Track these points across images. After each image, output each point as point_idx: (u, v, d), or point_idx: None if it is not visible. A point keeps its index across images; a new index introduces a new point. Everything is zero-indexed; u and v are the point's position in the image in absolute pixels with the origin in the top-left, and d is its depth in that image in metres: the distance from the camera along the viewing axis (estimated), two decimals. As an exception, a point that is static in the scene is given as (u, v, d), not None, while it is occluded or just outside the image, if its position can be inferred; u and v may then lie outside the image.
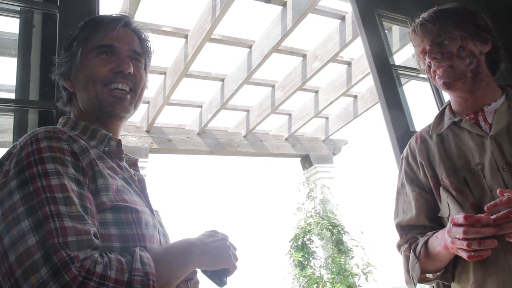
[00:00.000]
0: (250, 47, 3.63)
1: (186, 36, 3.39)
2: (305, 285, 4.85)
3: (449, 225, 0.97)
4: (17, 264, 0.61)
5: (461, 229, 0.92)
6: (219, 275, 0.87)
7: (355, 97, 4.84)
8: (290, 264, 5.08)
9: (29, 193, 0.68)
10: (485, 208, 0.92)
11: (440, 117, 1.27)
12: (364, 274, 4.98)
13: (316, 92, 4.66)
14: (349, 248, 5.10)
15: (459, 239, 0.94)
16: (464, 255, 0.95)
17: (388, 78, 1.87)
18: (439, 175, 1.16)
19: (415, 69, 1.77)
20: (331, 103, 4.51)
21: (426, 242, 1.12)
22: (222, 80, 4.13)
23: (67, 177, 0.72)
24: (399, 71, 1.94)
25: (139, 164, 1.02)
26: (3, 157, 0.77)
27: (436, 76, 1.18)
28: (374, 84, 1.92)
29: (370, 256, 5.15)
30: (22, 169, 0.71)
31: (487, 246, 0.91)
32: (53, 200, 0.67)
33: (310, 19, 3.21)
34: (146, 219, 0.80)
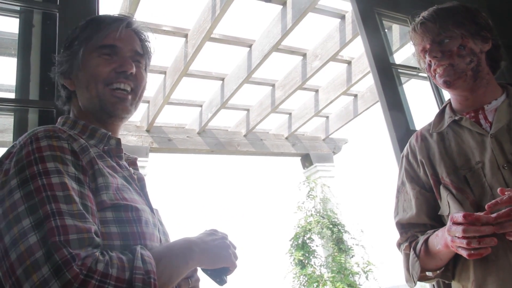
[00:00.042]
0: (250, 46, 3.63)
1: (186, 36, 3.38)
2: (305, 284, 4.86)
3: (448, 223, 0.97)
4: (18, 262, 0.61)
5: (460, 228, 0.92)
6: (219, 273, 0.87)
7: (355, 96, 4.84)
8: (291, 263, 5.09)
9: (29, 191, 0.68)
10: (486, 206, 0.92)
11: (441, 115, 1.27)
12: (365, 272, 4.99)
13: (316, 91, 4.66)
14: (349, 246, 5.10)
15: (458, 237, 0.94)
16: (464, 253, 0.95)
17: (388, 77, 1.87)
18: (440, 174, 1.16)
19: (415, 68, 1.77)
20: (331, 102, 4.51)
21: (426, 241, 1.12)
22: (222, 79, 4.13)
23: (68, 176, 0.72)
24: (399, 70, 1.94)
25: (139, 164, 1.02)
26: (3, 156, 0.77)
27: (437, 75, 1.18)
28: (374, 83, 1.92)
29: (371, 254, 5.17)
30: (22, 168, 0.71)
31: (486, 244, 0.91)
32: (54, 198, 0.67)
33: (310, 18, 3.21)
34: (146, 217, 0.81)
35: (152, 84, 4.08)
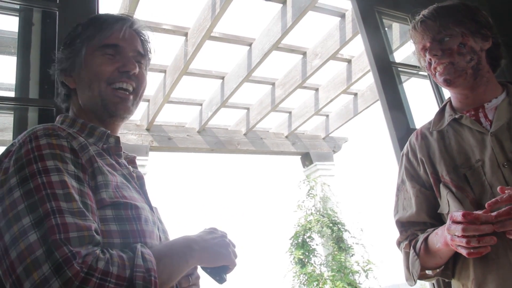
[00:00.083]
0: (250, 45, 3.63)
1: (186, 34, 3.38)
2: (305, 283, 4.87)
3: (448, 222, 0.97)
4: (19, 260, 0.61)
5: (460, 227, 0.92)
6: (219, 272, 0.87)
7: (355, 94, 4.84)
8: (291, 261, 5.10)
9: (29, 190, 0.68)
10: (486, 205, 0.92)
11: (441, 114, 1.27)
12: (365, 271, 4.99)
13: (316, 89, 4.66)
14: (349, 245, 5.10)
15: (458, 236, 0.94)
16: (463, 252, 0.95)
17: (388, 75, 1.87)
18: (439, 172, 1.16)
19: (415, 66, 1.77)
20: (331, 100, 4.51)
21: (426, 239, 1.12)
22: (222, 78, 4.12)
23: (67, 174, 0.72)
24: (399, 69, 1.94)
25: (139, 162, 1.02)
26: (2, 154, 0.77)
27: (437, 73, 1.18)
28: (374, 82, 1.92)
29: (371, 253, 5.17)
30: (22, 166, 0.71)
31: (486, 243, 0.91)
32: (54, 196, 0.67)
33: (310, 17, 3.21)
34: (146, 215, 0.81)
35: (152, 82, 4.08)
